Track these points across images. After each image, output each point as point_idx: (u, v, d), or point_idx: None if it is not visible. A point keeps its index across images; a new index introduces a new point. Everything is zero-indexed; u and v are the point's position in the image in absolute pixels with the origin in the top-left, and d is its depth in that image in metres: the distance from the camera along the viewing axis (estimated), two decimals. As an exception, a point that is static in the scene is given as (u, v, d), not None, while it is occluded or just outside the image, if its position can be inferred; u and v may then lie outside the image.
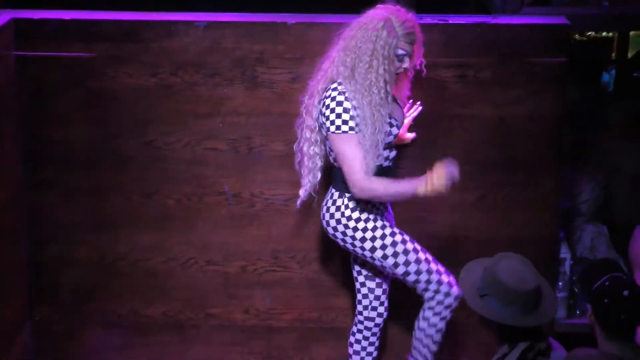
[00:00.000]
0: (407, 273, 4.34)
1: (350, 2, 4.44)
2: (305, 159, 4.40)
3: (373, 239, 4.33)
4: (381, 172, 4.30)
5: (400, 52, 4.21)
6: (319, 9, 4.89)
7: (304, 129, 4.38)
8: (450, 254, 4.81)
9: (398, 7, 4.27)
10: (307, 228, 4.90)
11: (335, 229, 4.37)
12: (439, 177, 4.09)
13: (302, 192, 4.46)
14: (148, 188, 4.88)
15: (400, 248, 4.33)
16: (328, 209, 4.39)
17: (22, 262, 4.93)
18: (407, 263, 4.32)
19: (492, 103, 4.77)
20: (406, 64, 4.26)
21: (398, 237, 4.35)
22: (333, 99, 4.23)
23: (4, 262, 4.68)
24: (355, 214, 4.33)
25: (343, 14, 4.81)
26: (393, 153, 4.42)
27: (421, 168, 4.74)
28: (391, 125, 4.30)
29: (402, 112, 4.50)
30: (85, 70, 4.78)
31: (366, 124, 4.20)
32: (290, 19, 4.75)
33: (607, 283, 3.58)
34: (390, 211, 4.56)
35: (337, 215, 4.35)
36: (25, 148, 4.85)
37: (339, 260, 4.91)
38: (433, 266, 4.37)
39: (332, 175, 4.41)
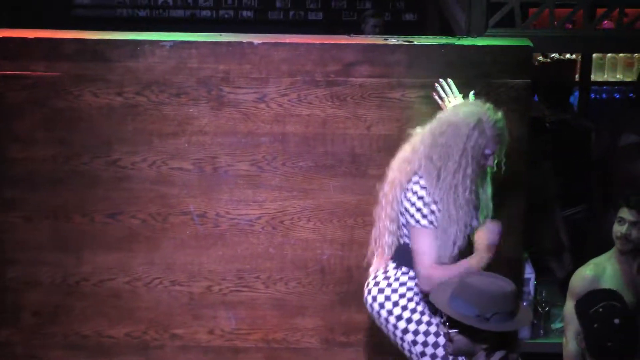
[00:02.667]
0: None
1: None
2: (385, 240, 4.39)
3: (409, 320, 4.32)
4: None
5: (488, 151, 4.20)
6: (284, 30, 4.91)
7: (384, 218, 4.37)
8: (415, 274, 4.83)
9: (488, 105, 4.26)
10: (272, 248, 4.89)
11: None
12: (485, 242, 4.16)
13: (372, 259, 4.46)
14: (112, 208, 4.85)
15: (431, 340, 4.31)
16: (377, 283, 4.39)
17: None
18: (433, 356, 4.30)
19: (457, 124, 4.78)
20: (490, 162, 4.24)
21: (433, 329, 4.34)
22: (415, 192, 4.24)
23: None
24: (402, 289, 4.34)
25: (308, 35, 4.83)
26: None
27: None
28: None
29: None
30: (49, 89, 4.75)
31: (450, 222, 4.19)
32: (256, 39, 4.75)
33: (600, 309, 3.62)
34: None
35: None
36: (-14, 168, 4.82)
37: (304, 280, 4.90)
38: None
39: (399, 250, 4.39)
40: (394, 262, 4.37)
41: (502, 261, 4.75)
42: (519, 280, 4.94)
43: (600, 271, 4.57)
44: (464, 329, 3.65)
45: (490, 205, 4.36)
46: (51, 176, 4.82)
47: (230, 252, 4.90)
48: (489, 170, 4.31)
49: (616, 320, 3.61)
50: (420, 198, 4.23)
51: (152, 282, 4.93)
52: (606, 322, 3.62)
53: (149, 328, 4.98)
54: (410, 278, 4.32)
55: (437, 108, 4.56)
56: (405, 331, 4.30)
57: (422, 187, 4.23)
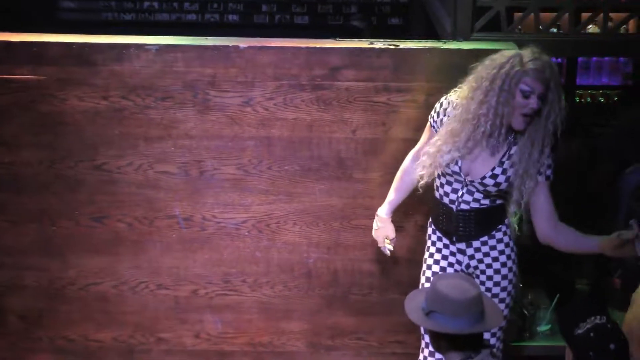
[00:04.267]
0: None
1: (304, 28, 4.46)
2: None
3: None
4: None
5: (524, 87, 4.02)
6: (270, 33, 4.91)
7: None
8: (401, 277, 4.85)
9: (535, 48, 4.12)
10: (258, 252, 4.89)
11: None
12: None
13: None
14: (98, 211, 4.85)
15: None
16: None
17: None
18: None
19: (443, 127, 4.79)
20: (533, 104, 4.02)
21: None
22: (439, 102, 4.34)
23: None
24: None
25: (294, 38, 4.83)
26: (457, 197, 4.30)
27: (372, 192, 4.79)
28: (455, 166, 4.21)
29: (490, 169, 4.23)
30: (35, 93, 4.74)
31: (445, 136, 4.20)
32: (242, 43, 4.75)
33: (591, 334, 3.50)
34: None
35: None
36: (-28, 171, 4.81)
37: (290, 283, 4.91)
38: None
39: None
40: None
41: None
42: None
43: None
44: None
45: (532, 171, 4.13)
46: (37, 180, 4.81)
47: (216, 255, 4.90)
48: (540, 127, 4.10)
49: (612, 346, 3.48)
50: (441, 104, 4.33)
51: (138, 285, 4.92)
52: (602, 349, 3.46)
53: (135, 332, 4.97)
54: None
55: (424, 111, 4.56)
56: None
57: (444, 101, 4.33)
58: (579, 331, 3.54)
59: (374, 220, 4.60)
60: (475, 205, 4.26)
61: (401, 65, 4.73)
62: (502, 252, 4.32)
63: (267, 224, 4.86)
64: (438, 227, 4.39)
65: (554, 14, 5.05)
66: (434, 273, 4.38)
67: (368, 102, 4.75)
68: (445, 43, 4.84)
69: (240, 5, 8.24)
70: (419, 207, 4.79)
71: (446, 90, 4.63)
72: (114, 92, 4.73)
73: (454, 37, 4.96)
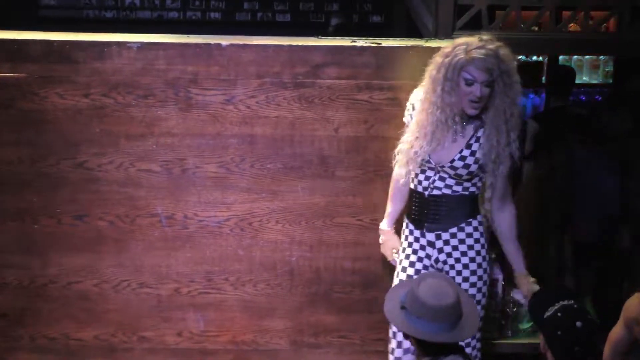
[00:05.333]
0: None
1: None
2: None
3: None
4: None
5: (467, 76, 4.14)
6: (252, 31, 4.90)
7: None
8: (384, 275, 4.86)
9: (484, 37, 4.21)
10: (241, 250, 4.89)
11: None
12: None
13: None
14: (80, 210, 4.83)
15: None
16: None
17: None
18: None
19: (425, 125, 4.80)
20: (476, 92, 4.13)
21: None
22: (409, 100, 4.46)
23: None
24: None
25: (276, 36, 4.83)
26: (429, 183, 4.37)
27: (355, 190, 4.79)
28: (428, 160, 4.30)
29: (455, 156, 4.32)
30: (15, 91, 4.72)
31: (411, 132, 4.31)
32: (224, 40, 4.74)
33: (559, 314, 3.57)
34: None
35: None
36: (-47, 169, 4.78)
37: (273, 281, 4.91)
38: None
39: None
40: None
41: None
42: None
43: None
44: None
45: (505, 154, 4.23)
46: (17, 178, 4.79)
47: (198, 254, 4.89)
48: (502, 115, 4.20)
49: (578, 323, 3.57)
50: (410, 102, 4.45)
51: (120, 284, 4.91)
52: (568, 327, 3.56)
53: (117, 330, 4.96)
54: None
55: (404, 110, 4.57)
56: None
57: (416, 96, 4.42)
58: (548, 314, 3.61)
59: (380, 236, 4.65)
60: (447, 191, 4.32)
61: (383, 63, 4.73)
62: (471, 247, 4.36)
63: (250, 222, 4.85)
64: (410, 219, 4.45)
65: (535, 12, 5.06)
66: (402, 268, 4.46)
67: (350, 100, 4.75)
68: (427, 41, 4.85)
69: (222, 3, 8.22)
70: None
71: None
72: (95, 90, 4.71)
73: (436, 36, 4.97)
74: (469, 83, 4.14)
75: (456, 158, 4.26)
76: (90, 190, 4.81)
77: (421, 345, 3.67)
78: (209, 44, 4.73)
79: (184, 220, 4.86)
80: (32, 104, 4.72)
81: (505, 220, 4.41)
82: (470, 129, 4.27)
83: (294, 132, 4.78)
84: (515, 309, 5.04)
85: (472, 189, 4.34)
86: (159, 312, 4.95)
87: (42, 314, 4.93)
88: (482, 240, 4.40)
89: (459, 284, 4.32)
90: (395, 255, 4.61)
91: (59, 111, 4.73)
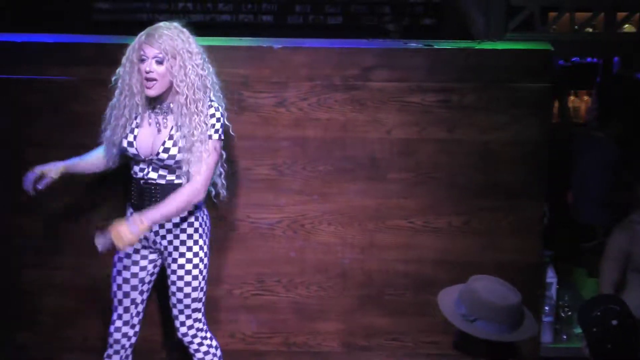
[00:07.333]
0: None
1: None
2: None
3: None
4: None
5: (141, 52, 4.22)
6: (304, 34, 4.90)
7: None
8: (436, 278, 4.83)
9: (174, 23, 4.34)
10: (293, 252, 4.89)
11: None
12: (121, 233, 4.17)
13: None
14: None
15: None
16: None
17: (2, 286, 4.89)
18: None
19: (476, 128, 4.78)
20: (147, 66, 4.20)
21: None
22: None
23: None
24: None
25: (327, 39, 4.83)
26: (143, 173, 4.38)
27: (406, 192, 4.78)
28: (126, 134, 4.34)
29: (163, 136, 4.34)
30: (67, 93, 4.77)
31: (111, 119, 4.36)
32: (276, 43, 4.76)
33: (598, 313, 3.62)
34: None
35: None
36: (3, 171, 4.83)
37: (325, 284, 4.90)
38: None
39: None
40: None
41: (523, 265, 4.77)
42: (541, 285, 4.93)
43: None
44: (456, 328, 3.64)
45: (201, 136, 4.26)
46: (65, 180, 4.78)
47: (250, 255, 4.91)
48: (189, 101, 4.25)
49: (614, 322, 3.60)
50: None
51: (173, 286, 4.93)
52: (604, 325, 3.63)
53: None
54: None
55: (458, 112, 4.55)
56: None
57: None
58: (592, 314, 3.70)
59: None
60: (161, 181, 4.36)
61: (435, 65, 4.72)
62: (190, 237, 4.41)
63: (302, 224, 4.86)
64: (131, 203, 4.45)
65: (589, 14, 5.01)
66: (119, 258, 4.46)
67: (402, 103, 4.74)
68: (479, 43, 4.83)
69: (274, 5, 8.23)
70: (454, 207, 4.77)
71: (480, 91, 4.63)
72: (148, 93, 4.73)
73: (488, 38, 4.94)
74: (142, 59, 4.22)
75: (160, 151, 4.30)
76: (143, 192, 4.83)
77: (490, 349, 3.63)
78: (260, 47, 4.74)
79: (236, 222, 4.87)
80: (83, 107, 4.77)
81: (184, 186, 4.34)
82: (171, 119, 4.30)
83: (346, 135, 4.78)
84: (569, 313, 5.00)
85: (187, 176, 4.35)
86: (211, 314, 4.95)
87: (94, 314, 4.97)
88: (201, 230, 4.44)
89: (175, 271, 4.40)
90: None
91: (111, 114, 4.76)
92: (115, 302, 4.49)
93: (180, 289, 4.43)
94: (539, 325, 4.34)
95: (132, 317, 4.51)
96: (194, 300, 4.44)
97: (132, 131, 4.32)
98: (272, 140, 4.78)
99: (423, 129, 4.76)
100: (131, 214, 4.40)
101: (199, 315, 4.51)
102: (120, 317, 4.51)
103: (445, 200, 4.71)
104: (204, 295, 4.49)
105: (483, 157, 4.81)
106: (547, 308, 4.99)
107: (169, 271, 4.44)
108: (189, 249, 4.41)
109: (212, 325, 4.95)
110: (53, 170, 4.40)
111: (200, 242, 4.43)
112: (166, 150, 4.28)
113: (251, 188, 4.84)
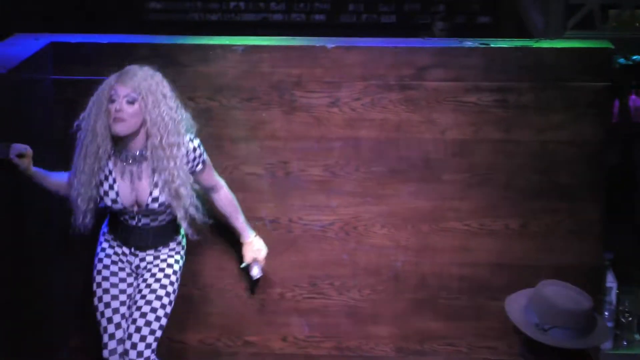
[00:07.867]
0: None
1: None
2: None
3: None
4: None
5: (111, 92, 4.14)
6: (357, 33, 4.86)
7: None
8: (492, 282, 4.75)
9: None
10: (345, 254, 4.84)
11: None
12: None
13: None
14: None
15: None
16: None
17: (58, 288, 4.89)
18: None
19: (534, 128, 4.71)
20: (117, 105, 4.10)
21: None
22: None
23: (39, 288, 4.65)
24: None
25: (381, 38, 4.78)
26: (135, 221, 4.34)
27: (461, 194, 4.71)
28: (105, 191, 4.26)
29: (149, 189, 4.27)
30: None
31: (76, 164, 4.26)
32: (329, 42, 4.71)
33: None
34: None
35: None
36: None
37: (378, 287, 4.85)
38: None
39: None
40: None
41: (582, 269, 4.68)
42: (600, 289, 4.84)
43: None
44: (526, 337, 3.53)
45: (174, 185, 4.20)
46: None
47: (302, 258, 4.87)
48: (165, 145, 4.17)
49: None
50: None
51: (224, 288, 4.90)
52: None
53: (221, 335, 4.95)
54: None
55: (515, 112, 4.47)
56: None
57: None
58: None
59: None
60: (154, 224, 4.35)
61: (491, 64, 4.65)
62: (171, 256, 4.43)
63: (355, 226, 4.80)
64: (117, 236, 4.40)
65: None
66: (104, 277, 4.41)
67: (457, 102, 4.68)
68: (537, 42, 4.75)
69: (326, 4, 8.22)
70: (510, 209, 4.70)
71: (538, 91, 4.54)
72: (200, 93, 4.73)
73: (546, 36, 4.86)
74: (112, 100, 4.13)
75: (149, 202, 4.24)
76: (194, 193, 4.81)
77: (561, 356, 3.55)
78: (313, 47, 4.71)
79: (288, 224, 4.84)
80: (138, 108, 4.75)
81: (220, 199, 4.52)
82: (145, 166, 4.21)
83: (400, 135, 4.72)
84: (630, 319, 4.90)
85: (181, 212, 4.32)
86: (262, 317, 4.93)
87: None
88: (182, 253, 4.48)
89: (150, 284, 4.36)
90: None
91: (164, 114, 4.74)
92: (104, 323, 4.39)
93: (148, 302, 4.34)
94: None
95: (124, 333, 4.37)
96: (157, 318, 4.33)
97: (110, 187, 4.25)
98: (324, 140, 4.74)
99: (478, 130, 4.69)
100: (110, 245, 4.41)
101: (154, 345, 4.37)
102: (112, 336, 4.40)
103: (501, 202, 4.63)
104: (165, 322, 4.38)
105: (540, 157, 4.73)
106: (607, 313, 4.90)
107: (142, 285, 4.39)
108: (162, 270, 4.40)
109: (265, 328, 4.93)
110: (28, 163, 4.21)
111: (177, 271, 4.45)
112: (155, 200, 4.25)
113: (304, 189, 4.80)
